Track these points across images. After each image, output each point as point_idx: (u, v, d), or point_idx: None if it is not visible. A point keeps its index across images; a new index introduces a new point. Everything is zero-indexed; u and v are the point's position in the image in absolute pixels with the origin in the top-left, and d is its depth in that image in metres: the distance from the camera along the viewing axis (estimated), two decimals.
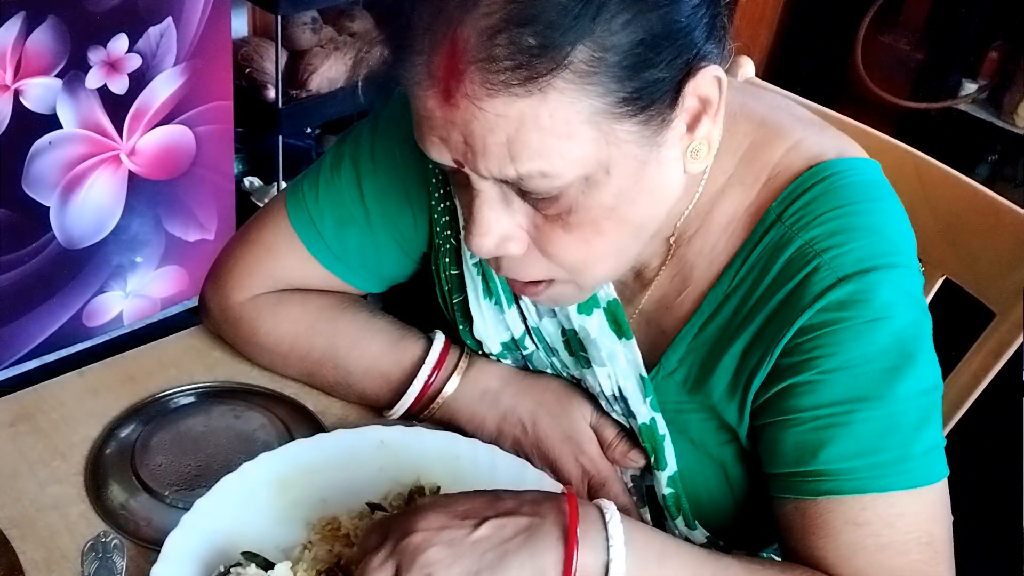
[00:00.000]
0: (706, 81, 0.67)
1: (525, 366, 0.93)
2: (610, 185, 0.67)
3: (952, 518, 0.76)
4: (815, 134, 0.79)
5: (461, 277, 0.90)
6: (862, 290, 0.73)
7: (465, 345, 0.93)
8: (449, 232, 0.89)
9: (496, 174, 0.65)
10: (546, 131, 0.62)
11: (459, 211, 0.87)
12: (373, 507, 0.81)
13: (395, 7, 0.65)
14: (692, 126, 0.69)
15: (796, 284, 0.75)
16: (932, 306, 1.04)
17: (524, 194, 0.67)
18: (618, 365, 0.84)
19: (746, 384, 0.78)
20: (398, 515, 0.68)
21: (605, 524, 0.66)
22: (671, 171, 0.70)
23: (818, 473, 0.74)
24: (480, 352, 0.93)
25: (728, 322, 0.79)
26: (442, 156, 0.67)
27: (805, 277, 0.74)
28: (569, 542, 0.64)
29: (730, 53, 0.70)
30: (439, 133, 0.65)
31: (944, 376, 0.95)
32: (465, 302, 0.90)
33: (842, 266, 0.73)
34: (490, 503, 0.67)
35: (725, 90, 0.69)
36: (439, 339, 0.92)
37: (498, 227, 0.69)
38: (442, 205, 0.88)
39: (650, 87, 0.64)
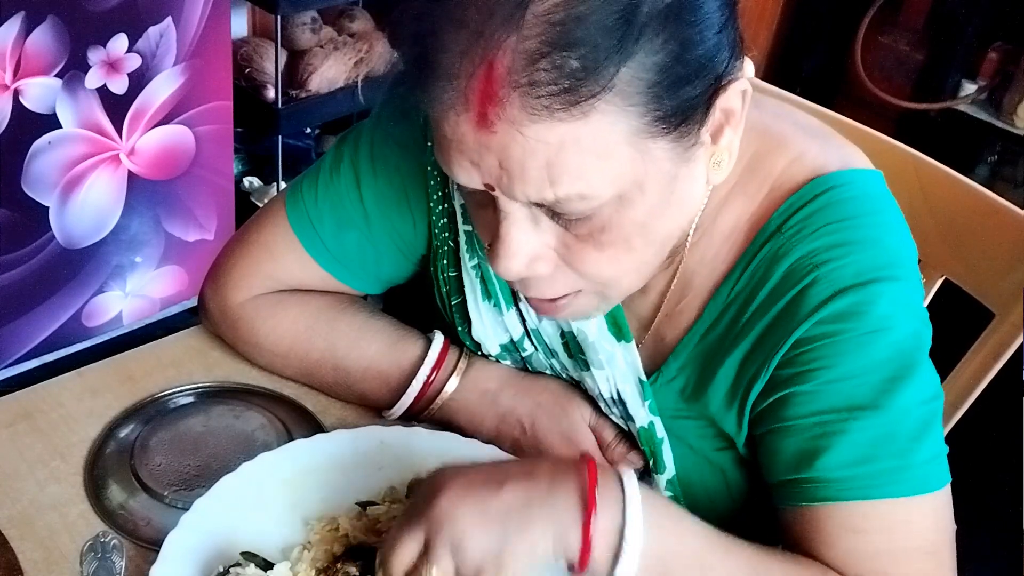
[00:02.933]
0: (734, 95, 0.67)
1: (524, 368, 0.93)
2: (643, 202, 0.66)
3: (955, 527, 0.76)
4: (818, 145, 0.79)
5: (459, 279, 0.90)
6: (860, 302, 0.72)
7: (464, 346, 0.93)
8: (447, 234, 0.89)
9: (533, 198, 0.64)
10: (587, 153, 0.62)
11: (458, 214, 0.86)
12: (364, 505, 0.81)
13: (424, 29, 0.62)
14: (715, 137, 0.69)
15: (793, 296, 0.74)
16: (932, 306, 1.04)
17: (555, 215, 0.67)
18: (617, 368, 0.84)
19: (744, 394, 0.78)
20: (420, 492, 0.67)
21: (623, 487, 0.66)
22: (698, 184, 0.71)
23: (816, 480, 0.74)
24: (479, 353, 0.93)
25: (727, 332, 0.79)
26: (472, 180, 0.65)
27: (802, 289, 0.74)
28: (588, 504, 0.64)
29: (743, 65, 0.70)
30: (471, 157, 0.63)
31: (944, 377, 0.96)
32: (464, 304, 0.90)
33: (840, 279, 0.73)
34: (513, 466, 0.68)
35: (748, 102, 0.69)
36: (438, 339, 0.92)
37: (528, 248, 0.68)
38: (440, 207, 0.88)
39: (685, 104, 0.64)
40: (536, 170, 0.62)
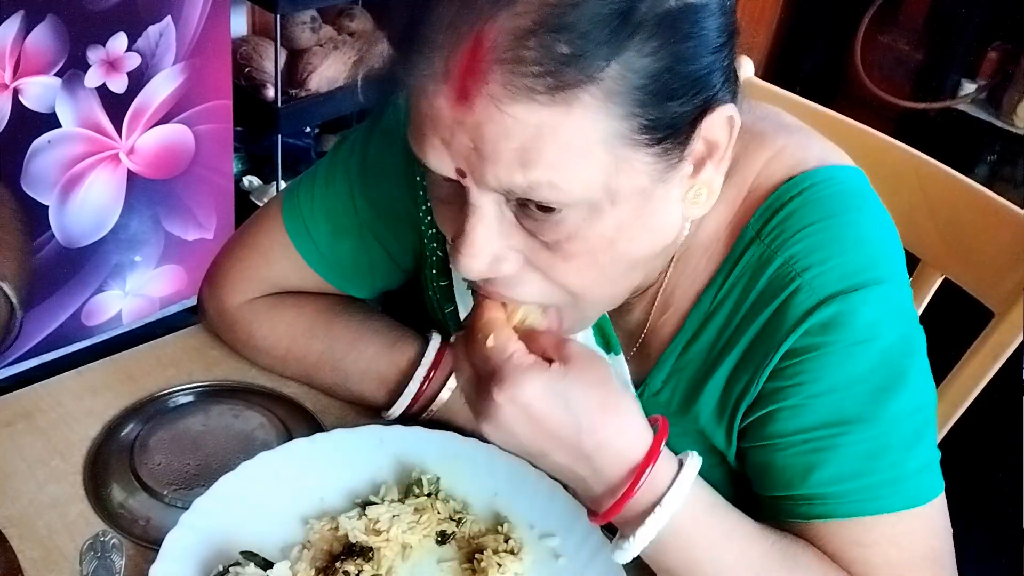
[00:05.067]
0: (720, 121, 0.66)
1: None
2: (613, 216, 0.64)
3: (951, 529, 0.76)
4: (798, 141, 0.78)
5: (449, 288, 0.90)
6: (845, 311, 0.71)
7: None
8: (436, 244, 0.89)
9: (502, 182, 0.61)
10: (563, 144, 0.60)
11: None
12: (363, 504, 0.81)
13: (417, 1, 0.61)
14: (696, 169, 0.68)
15: (778, 306, 0.73)
16: (931, 306, 1.04)
17: (523, 215, 0.65)
18: None
19: (733, 408, 0.77)
20: (498, 374, 0.67)
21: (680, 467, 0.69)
22: (672, 211, 0.69)
23: (809, 497, 0.73)
24: None
25: (712, 344, 0.78)
26: (441, 162, 0.63)
27: (787, 299, 0.73)
28: (650, 452, 0.67)
29: (737, 96, 0.69)
30: (443, 135, 0.62)
31: (943, 377, 0.95)
32: (456, 312, 0.90)
33: (823, 286, 0.72)
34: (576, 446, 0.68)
35: (735, 135, 0.67)
36: (435, 340, 0.92)
37: (491, 248, 0.65)
38: (429, 218, 0.88)
39: (669, 119, 0.62)
40: (509, 152, 0.60)
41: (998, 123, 2.68)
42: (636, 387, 0.83)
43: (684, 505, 0.68)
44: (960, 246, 1.02)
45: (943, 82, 2.72)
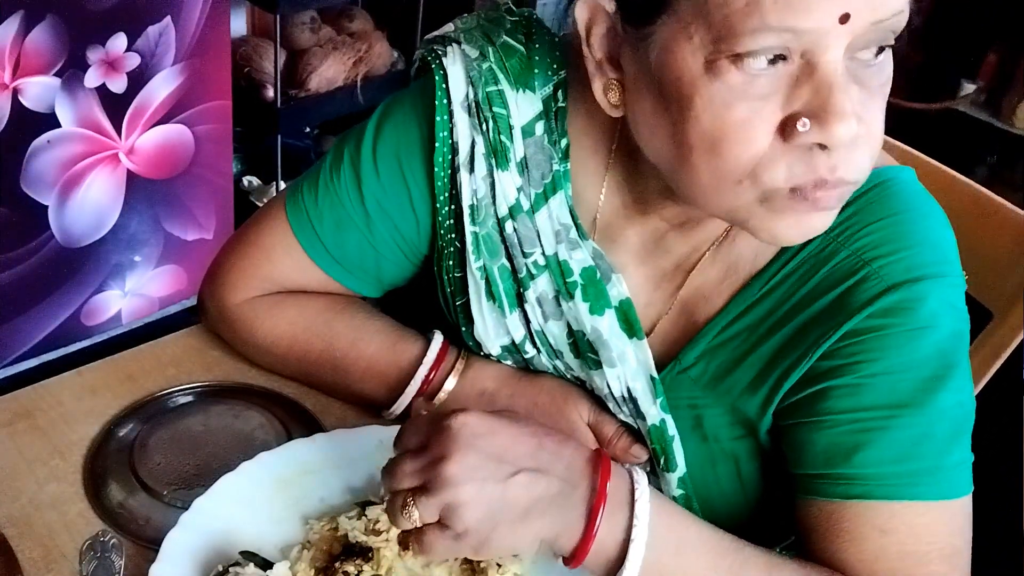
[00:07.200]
0: None
1: (526, 367, 0.92)
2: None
3: (972, 532, 0.76)
4: None
5: (464, 279, 0.90)
6: (910, 298, 0.74)
7: (463, 346, 0.93)
8: (453, 235, 0.89)
9: (892, 7, 0.63)
10: None
11: (465, 215, 0.85)
12: (363, 505, 0.81)
13: None
14: None
15: (843, 291, 0.76)
16: None
17: (859, 64, 0.65)
18: (628, 365, 0.84)
19: (775, 383, 0.79)
20: (440, 425, 0.69)
21: (633, 503, 0.69)
22: None
23: (849, 477, 0.75)
24: (480, 353, 0.92)
25: (756, 324, 0.80)
26: (822, 18, 0.61)
27: (854, 285, 0.75)
28: (597, 496, 0.68)
29: None
30: None
31: None
32: (468, 304, 0.90)
33: (891, 275, 0.75)
34: (531, 451, 0.69)
35: None
36: (437, 339, 0.92)
37: (853, 104, 0.65)
38: (447, 208, 0.88)
39: None
40: None
41: (998, 124, 2.69)
42: (668, 361, 0.84)
43: (654, 517, 0.70)
44: (960, 246, 1.02)
45: (943, 82, 2.72)
